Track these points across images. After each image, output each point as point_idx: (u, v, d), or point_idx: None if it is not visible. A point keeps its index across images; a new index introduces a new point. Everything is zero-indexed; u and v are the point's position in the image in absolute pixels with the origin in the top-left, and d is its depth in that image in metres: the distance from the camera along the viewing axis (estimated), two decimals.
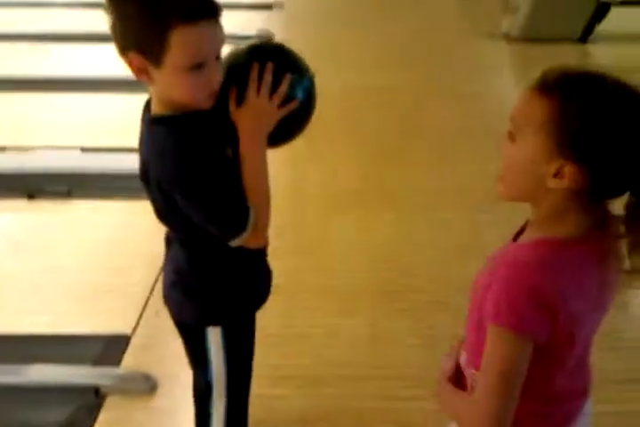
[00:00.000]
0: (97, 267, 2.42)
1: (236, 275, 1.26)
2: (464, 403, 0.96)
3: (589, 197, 0.87)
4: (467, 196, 2.91)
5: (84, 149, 3.34)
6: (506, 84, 4.75)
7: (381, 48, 5.30)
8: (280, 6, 6.84)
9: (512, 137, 0.90)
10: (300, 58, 1.15)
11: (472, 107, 4.04)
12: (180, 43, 1.01)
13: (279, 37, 5.50)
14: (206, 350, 1.29)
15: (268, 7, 6.72)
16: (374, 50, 5.23)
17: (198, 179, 1.09)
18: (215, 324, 1.27)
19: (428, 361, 1.90)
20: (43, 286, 2.29)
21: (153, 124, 1.12)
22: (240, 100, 1.09)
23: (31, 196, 2.90)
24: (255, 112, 1.09)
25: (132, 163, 3.37)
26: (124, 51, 1.05)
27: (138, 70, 1.06)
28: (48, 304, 2.19)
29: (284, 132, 1.16)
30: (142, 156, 1.16)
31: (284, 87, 1.09)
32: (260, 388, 1.79)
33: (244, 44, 1.15)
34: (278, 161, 3.59)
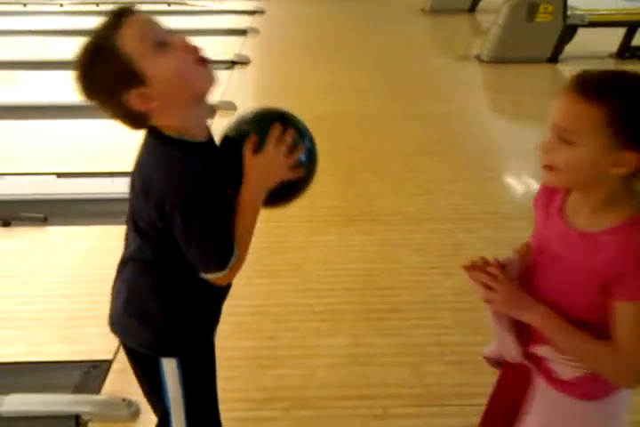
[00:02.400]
0: (74, 293, 2.37)
1: (200, 303, 1.23)
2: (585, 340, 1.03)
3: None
4: (444, 215, 2.94)
5: (59, 175, 3.32)
6: (478, 103, 4.85)
7: (355, 71, 5.39)
8: (255, 32, 6.95)
9: (565, 140, 0.98)
10: (305, 125, 1.23)
11: (447, 126, 4.11)
12: (128, 41, 1.03)
13: (255, 61, 5.57)
14: (162, 382, 1.24)
15: (243, 33, 6.83)
16: (345, 73, 5.31)
17: (204, 206, 1.09)
18: (171, 355, 1.22)
19: (413, 380, 1.90)
20: (18, 314, 2.24)
21: (166, 143, 1.11)
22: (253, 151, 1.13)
23: (6, 223, 2.85)
24: (268, 164, 1.13)
25: (107, 187, 3.37)
26: (114, 96, 1.06)
27: (141, 103, 1.05)
28: (24, 333, 2.14)
29: (285, 192, 1.22)
30: (142, 172, 1.14)
31: (298, 152, 1.15)
32: (247, 411, 1.78)
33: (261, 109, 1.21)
34: None
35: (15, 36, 6.17)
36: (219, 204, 1.12)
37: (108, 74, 1.04)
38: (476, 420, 1.74)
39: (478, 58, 5.76)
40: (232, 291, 2.42)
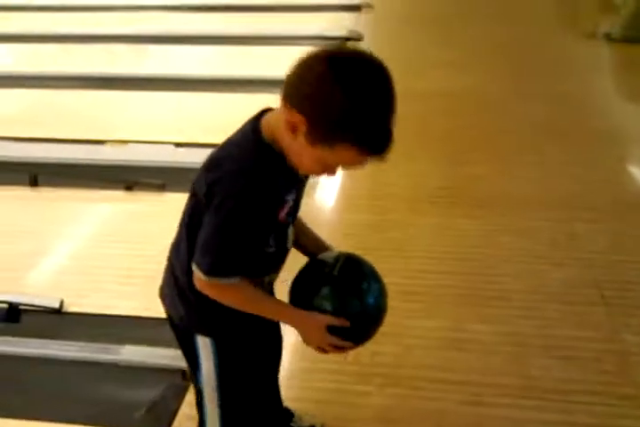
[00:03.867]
0: None
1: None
2: None
3: None
4: (561, 202, 2.80)
5: (177, 144, 3.49)
6: (605, 86, 4.52)
7: (471, 48, 5.19)
8: (369, 7, 6.85)
9: None
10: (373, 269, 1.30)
11: (568, 108, 3.88)
12: (340, 154, 1.02)
13: (368, 37, 5.51)
14: (197, 356, 1.23)
15: (356, 8, 6.75)
16: (463, 50, 5.12)
17: (247, 211, 1.06)
18: (203, 333, 1.21)
19: (513, 370, 1.85)
20: (135, 271, 2.40)
21: (264, 142, 1.09)
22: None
23: (129, 187, 3.05)
24: (308, 328, 1.19)
25: None
26: (291, 104, 1.01)
27: (289, 125, 1.03)
28: (140, 289, 2.29)
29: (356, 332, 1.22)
30: (222, 149, 1.14)
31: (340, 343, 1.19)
32: (343, 383, 1.82)
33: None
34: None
35: (142, 12, 6.48)
36: (260, 221, 1.09)
37: (316, 98, 0.99)
38: (578, 417, 1.68)
39: (607, 36, 5.34)
40: None
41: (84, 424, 1.72)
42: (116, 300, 2.24)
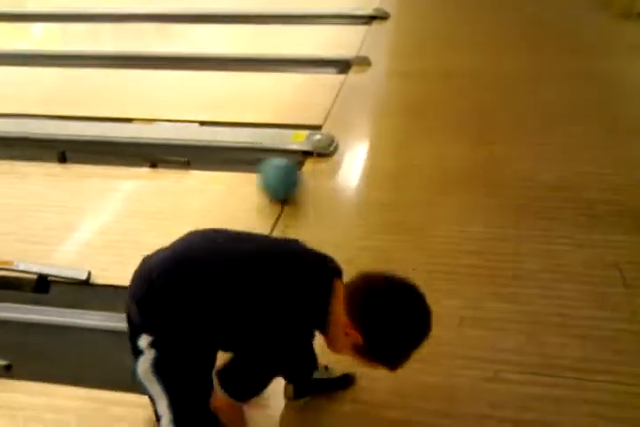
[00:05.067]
0: None
1: None
2: None
3: None
4: (586, 184, 2.77)
5: (202, 123, 3.52)
6: (637, 66, 4.41)
7: (501, 27, 5.10)
8: None
9: None
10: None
11: (598, 89, 3.81)
12: (368, 362, 1.32)
13: (394, 16, 5.45)
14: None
15: None
16: (493, 29, 5.04)
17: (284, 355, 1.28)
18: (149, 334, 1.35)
19: (530, 348, 1.87)
20: (158, 247, 2.45)
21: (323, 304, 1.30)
22: None
23: (154, 164, 3.10)
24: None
25: (245, 137, 3.55)
26: (354, 319, 1.26)
27: (345, 330, 1.27)
28: None
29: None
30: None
31: None
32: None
33: None
34: (389, 139, 3.63)
35: None
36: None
37: (377, 331, 1.27)
38: (592, 395, 1.69)
39: None
40: (349, 243, 2.48)
41: (109, 390, 1.80)
42: None
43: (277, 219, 2.59)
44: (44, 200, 2.88)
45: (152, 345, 1.33)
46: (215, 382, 1.28)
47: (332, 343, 1.33)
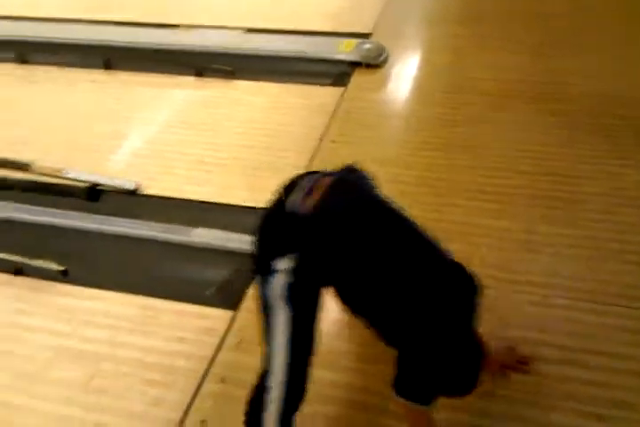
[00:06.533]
0: (254, 144, 2.52)
1: None
2: None
3: None
4: None
5: (249, 30, 3.38)
6: None
7: None
8: None
9: None
10: None
11: None
12: None
13: None
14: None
15: None
16: None
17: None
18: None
19: (585, 273, 1.82)
20: (207, 158, 2.45)
21: None
22: None
23: (199, 73, 3.02)
24: None
25: (292, 45, 3.38)
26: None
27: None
28: (213, 177, 2.35)
29: None
30: None
31: None
32: None
33: None
34: (442, 48, 3.37)
35: None
36: None
37: None
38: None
39: None
40: (395, 159, 2.40)
41: (156, 297, 1.85)
42: (188, 185, 2.31)
43: (323, 134, 2.53)
44: (91, 108, 2.87)
45: (291, 270, 1.22)
46: (393, 394, 1.21)
47: None
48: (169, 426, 1.48)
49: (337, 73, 2.94)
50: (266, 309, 1.23)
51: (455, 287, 1.18)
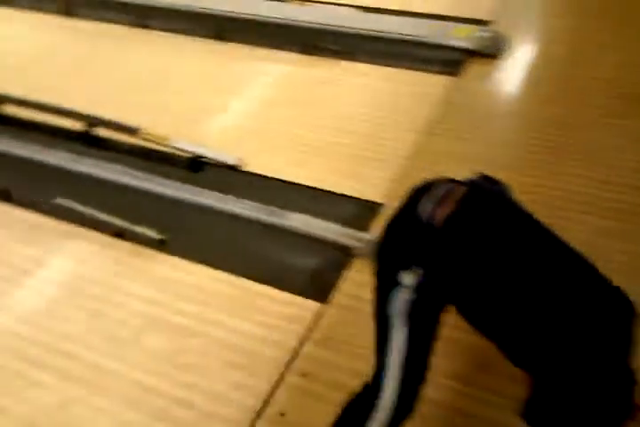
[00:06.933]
0: (355, 131, 2.46)
1: None
2: None
3: None
4: None
5: (365, 9, 3.27)
6: None
7: None
8: None
9: None
10: None
11: None
12: None
13: None
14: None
15: None
16: None
17: None
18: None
19: None
20: (310, 140, 2.42)
21: None
22: None
23: (305, 50, 2.98)
24: None
25: (409, 28, 3.22)
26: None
27: None
28: (314, 159, 2.32)
29: None
30: None
31: None
32: None
33: None
34: (565, 42, 3.10)
35: None
36: None
37: None
38: None
39: None
40: (498, 160, 2.21)
41: (247, 278, 1.84)
42: (289, 166, 2.29)
43: (426, 126, 2.43)
44: (200, 77, 2.90)
45: (417, 286, 1.15)
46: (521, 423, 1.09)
47: None
48: (248, 413, 1.49)
49: (448, 60, 2.82)
50: (383, 319, 1.18)
51: (613, 312, 1.08)
